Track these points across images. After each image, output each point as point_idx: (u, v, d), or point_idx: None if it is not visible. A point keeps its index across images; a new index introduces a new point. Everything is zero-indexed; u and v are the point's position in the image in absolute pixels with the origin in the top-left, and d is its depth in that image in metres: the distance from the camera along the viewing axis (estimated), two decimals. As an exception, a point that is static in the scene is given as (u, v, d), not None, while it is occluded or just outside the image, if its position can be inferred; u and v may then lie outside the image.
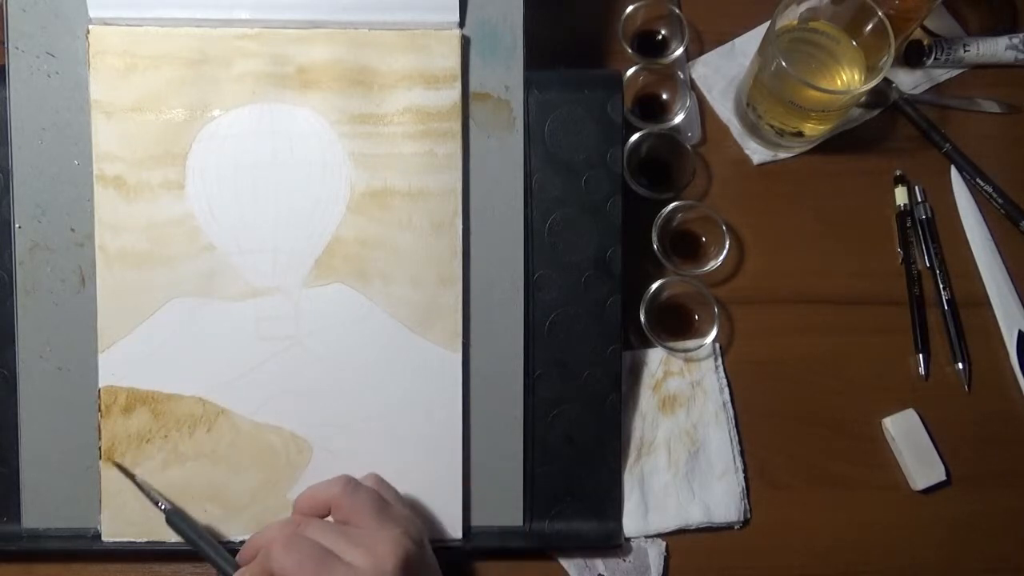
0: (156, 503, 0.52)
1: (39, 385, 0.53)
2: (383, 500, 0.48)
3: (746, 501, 0.59)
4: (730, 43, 0.67)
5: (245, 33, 0.53)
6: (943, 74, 0.68)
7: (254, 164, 0.53)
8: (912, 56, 0.67)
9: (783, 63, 0.56)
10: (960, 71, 0.68)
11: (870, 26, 0.59)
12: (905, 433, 0.60)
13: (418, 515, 0.51)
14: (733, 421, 0.60)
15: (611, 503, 0.57)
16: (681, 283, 0.61)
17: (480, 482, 0.55)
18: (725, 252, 0.61)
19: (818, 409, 0.61)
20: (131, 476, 0.52)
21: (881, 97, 0.67)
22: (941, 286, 0.63)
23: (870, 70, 0.60)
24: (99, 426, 0.53)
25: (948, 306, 0.63)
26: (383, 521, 0.46)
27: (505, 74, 0.55)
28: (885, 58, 0.57)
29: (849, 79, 0.61)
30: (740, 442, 0.60)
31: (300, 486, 0.53)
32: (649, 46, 0.66)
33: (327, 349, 0.54)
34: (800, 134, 0.63)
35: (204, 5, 0.52)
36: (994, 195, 0.65)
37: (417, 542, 0.46)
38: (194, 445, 0.53)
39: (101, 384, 0.53)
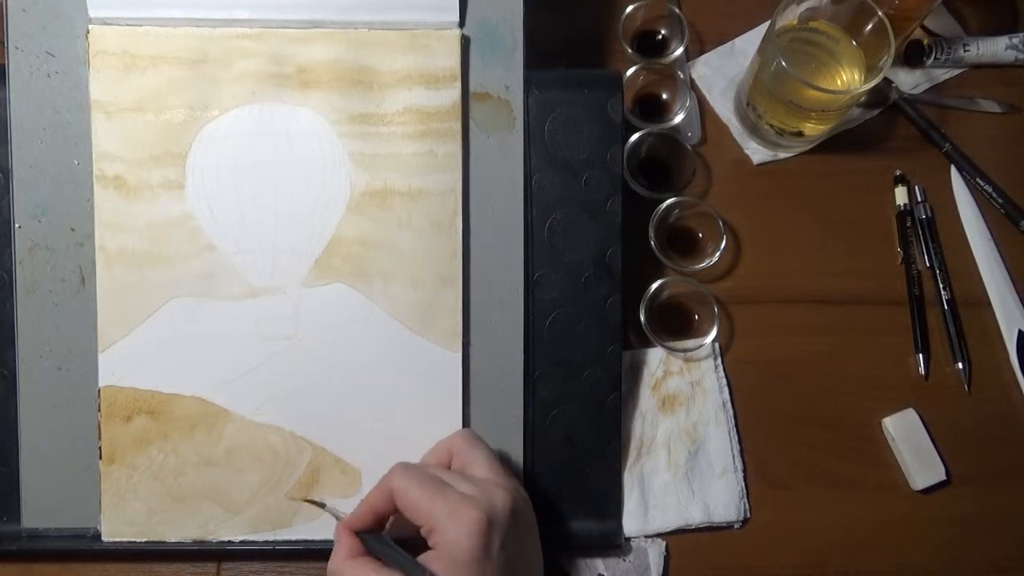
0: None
1: (39, 385, 0.53)
2: (497, 457, 0.51)
3: (746, 501, 0.59)
4: (730, 43, 0.67)
5: (245, 33, 0.53)
6: (943, 74, 0.68)
7: (254, 164, 0.53)
8: (912, 56, 0.67)
9: (783, 63, 0.56)
10: (960, 71, 0.68)
11: (870, 26, 0.59)
12: (905, 433, 0.60)
13: None
14: (733, 421, 0.60)
15: (611, 503, 0.57)
16: (681, 283, 0.61)
17: (480, 482, 0.55)
18: (722, 248, 0.61)
19: (818, 409, 0.61)
20: (321, 506, 0.53)
21: (881, 97, 0.67)
22: (941, 286, 0.63)
23: (870, 70, 0.60)
24: (99, 426, 0.53)
25: (948, 306, 0.63)
26: (496, 472, 0.50)
27: (505, 74, 0.55)
28: (885, 58, 0.57)
29: (849, 79, 0.61)
30: (740, 442, 0.60)
31: (300, 486, 0.54)
32: (649, 46, 0.66)
33: (327, 349, 0.54)
34: (800, 134, 0.63)
35: (204, 5, 0.52)
36: (994, 195, 0.65)
37: (525, 499, 0.50)
38: (194, 445, 0.53)
39: (101, 384, 0.53)
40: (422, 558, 0.46)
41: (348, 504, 0.53)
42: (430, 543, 0.46)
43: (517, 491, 0.49)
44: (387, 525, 0.50)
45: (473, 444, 0.51)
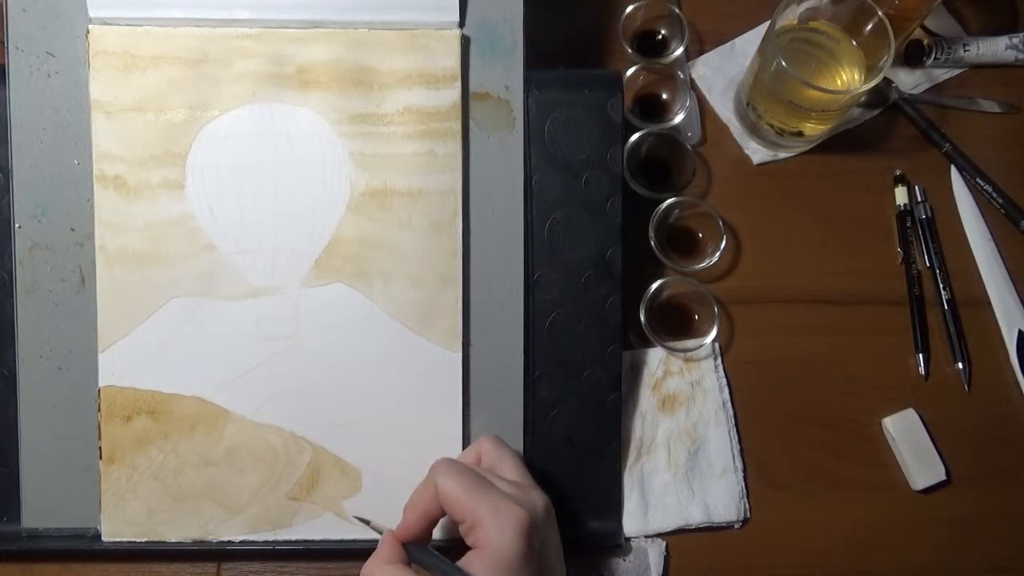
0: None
1: (39, 385, 0.53)
2: (523, 461, 0.52)
3: (746, 500, 0.59)
4: (730, 43, 0.67)
5: (245, 33, 0.53)
6: (943, 74, 0.68)
7: (254, 164, 0.53)
8: (912, 56, 0.67)
9: (783, 63, 0.56)
10: (960, 71, 0.68)
11: (870, 26, 0.59)
12: (905, 433, 0.60)
13: None
14: (733, 421, 0.60)
15: (611, 503, 0.57)
16: (681, 283, 0.61)
17: (480, 482, 0.55)
18: (722, 248, 0.61)
19: (818, 409, 0.61)
20: (366, 523, 0.52)
21: (881, 97, 0.67)
22: (941, 286, 0.63)
23: (870, 70, 0.60)
24: (99, 426, 0.53)
25: (948, 306, 0.63)
26: (524, 475, 0.50)
27: (505, 74, 0.55)
28: (885, 58, 0.57)
29: (849, 79, 0.61)
30: (740, 442, 0.60)
31: (300, 486, 0.54)
32: (649, 46, 0.66)
33: (327, 349, 0.54)
34: (800, 134, 0.63)
35: (204, 5, 0.52)
36: (994, 195, 0.65)
37: (550, 501, 0.49)
38: (194, 445, 0.53)
39: (101, 384, 0.53)
40: (464, 560, 0.45)
41: (351, 504, 0.53)
42: (469, 541, 0.46)
43: (544, 493, 0.49)
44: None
45: (501, 448, 0.52)
